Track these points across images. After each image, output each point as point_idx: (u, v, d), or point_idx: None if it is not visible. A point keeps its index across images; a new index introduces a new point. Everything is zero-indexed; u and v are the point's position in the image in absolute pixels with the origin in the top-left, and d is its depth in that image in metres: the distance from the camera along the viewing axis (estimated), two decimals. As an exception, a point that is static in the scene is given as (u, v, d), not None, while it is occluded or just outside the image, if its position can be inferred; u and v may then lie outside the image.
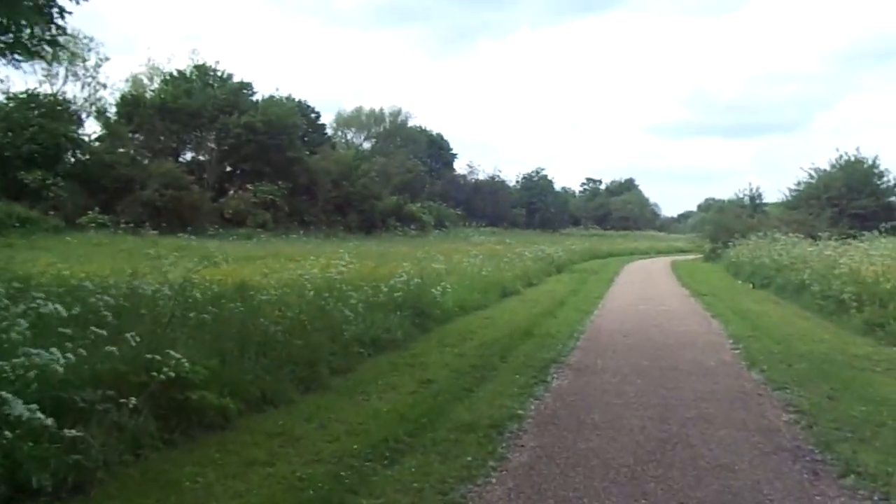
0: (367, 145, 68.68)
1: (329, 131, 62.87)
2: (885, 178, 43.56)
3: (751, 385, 7.68)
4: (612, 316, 13.51)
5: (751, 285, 20.06)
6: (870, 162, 43.77)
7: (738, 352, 9.68)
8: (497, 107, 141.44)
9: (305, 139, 53.19)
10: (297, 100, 52.05)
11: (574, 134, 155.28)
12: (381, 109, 66.93)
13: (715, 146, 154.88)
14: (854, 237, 20.36)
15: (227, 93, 44.30)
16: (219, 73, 45.73)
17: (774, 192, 67.44)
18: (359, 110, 66.61)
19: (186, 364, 5.48)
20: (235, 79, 46.41)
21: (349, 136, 68.25)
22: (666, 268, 30.13)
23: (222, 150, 43.96)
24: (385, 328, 9.49)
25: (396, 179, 58.00)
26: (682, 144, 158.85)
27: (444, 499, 4.41)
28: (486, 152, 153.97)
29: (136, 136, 41.36)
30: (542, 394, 7.14)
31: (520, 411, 6.44)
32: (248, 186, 41.96)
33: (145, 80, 45.41)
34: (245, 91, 46.17)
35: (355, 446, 5.28)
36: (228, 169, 46.64)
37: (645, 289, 19.55)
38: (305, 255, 18.19)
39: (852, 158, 43.94)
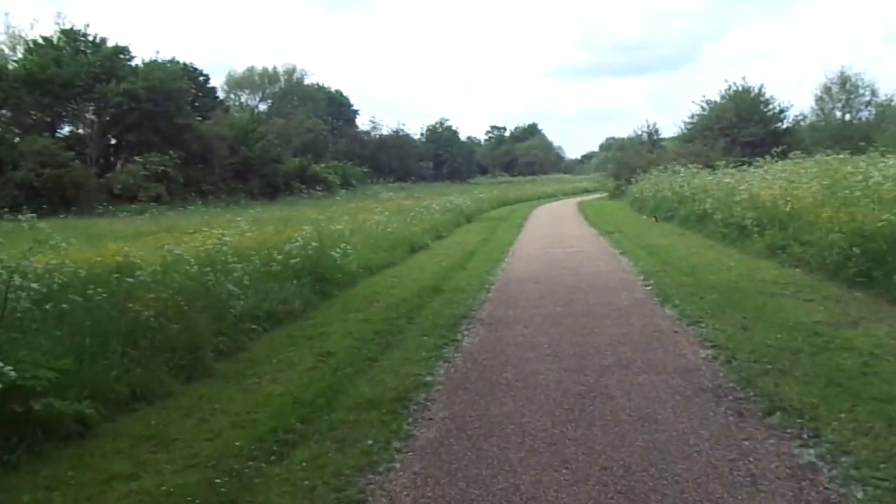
0: (263, 107, 65.95)
1: (221, 95, 59.80)
2: (770, 106, 45.39)
3: (665, 322, 7.41)
4: (523, 263, 13.15)
5: (654, 219, 20.31)
6: (756, 91, 45.39)
7: (649, 288, 9.47)
8: (396, 59, 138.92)
9: (196, 104, 50.29)
10: (181, 63, 48.87)
11: (476, 83, 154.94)
12: (275, 68, 64.26)
13: (611, 86, 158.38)
14: (749, 164, 20.85)
15: (102, 59, 41.02)
16: (90, 38, 42.23)
17: (670, 127, 69.41)
18: (251, 70, 63.63)
19: (27, 368, 4.60)
20: (110, 43, 43.00)
21: (243, 99, 65.32)
22: (573, 209, 30.31)
23: (103, 121, 40.87)
24: (281, 299, 8.70)
25: (297, 141, 56.07)
26: (580, 86, 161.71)
27: (339, 497, 3.79)
28: (388, 107, 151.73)
29: (2, 112, 37.78)
30: (451, 355, 6.60)
31: (428, 378, 5.87)
32: (137, 159, 39.36)
33: (6, 50, 41.43)
34: (122, 56, 42.91)
35: (238, 443, 4.57)
36: (113, 141, 43.59)
37: (554, 231, 19.39)
38: (201, 226, 16.97)
39: (740, 88, 45.44)
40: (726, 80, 51.13)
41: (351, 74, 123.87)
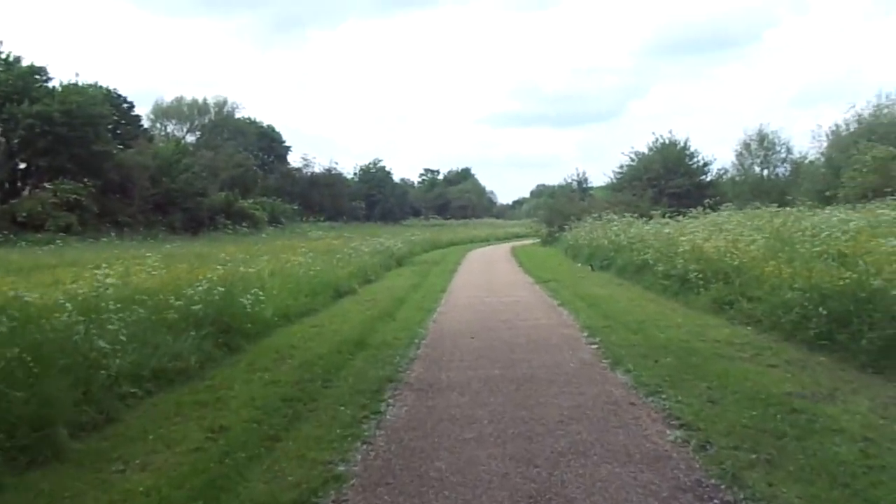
0: (191, 139, 63.52)
1: (146, 123, 57.28)
2: (695, 159, 46.56)
3: (620, 391, 6.44)
4: (457, 313, 12.09)
5: (590, 268, 19.73)
6: (682, 144, 46.53)
7: (595, 347, 8.54)
8: (331, 98, 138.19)
9: (118, 132, 47.77)
10: (103, 88, 46.43)
11: (410, 125, 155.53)
12: (205, 100, 62.06)
13: (543, 135, 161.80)
14: (681, 214, 20.66)
15: (14, 78, 38.34)
16: (1, 56, 39.47)
17: (599, 177, 70.47)
18: (179, 100, 61.35)
19: None
20: (25, 62, 40.36)
21: (170, 129, 62.70)
22: (506, 254, 29.63)
23: (12, 144, 38.03)
24: (173, 354, 7.31)
25: (225, 174, 54.01)
26: (514, 133, 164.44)
27: None
28: (321, 144, 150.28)
29: None
30: (372, 433, 5.41)
31: (340, 467, 4.67)
32: (47, 185, 36.61)
33: None
34: (38, 77, 40.26)
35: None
36: (22, 166, 40.59)
37: (488, 278, 18.48)
38: (110, 260, 15.28)
39: (667, 141, 46.51)
40: (654, 133, 52.32)
41: (284, 111, 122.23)
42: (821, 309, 7.60)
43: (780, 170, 49.90)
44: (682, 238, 13.20)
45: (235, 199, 49.47)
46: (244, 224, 46.08)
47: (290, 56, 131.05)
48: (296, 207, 55.59)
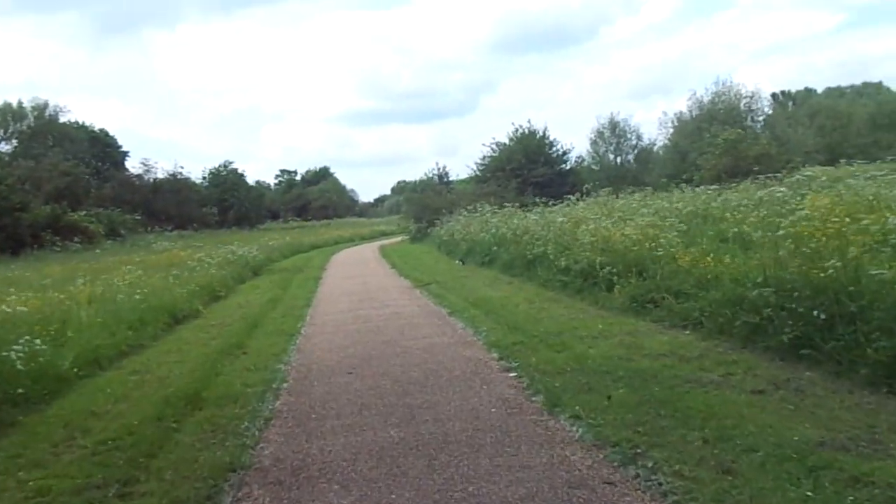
0: (6, 148, 55.61)
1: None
2: (555, 148, 46.51)
3: (581, 457, 4.31)
4: (326, 335, 9.57)
5: (460, 263, 18.00)
6: (541, 133, 46.32)
7: (515, 375, 6.43)
8: (174, 101, 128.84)
9: None
10: None
11: (261, 127, 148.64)
12: (20, 103, 54.33)
13: (400, 132, 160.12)
14: (549, 203, 19.40)
15: None
16: None
17: (458, 171, 69.69)
18: (-11, 105, 53.13)
19: None
20: None
21: (-20, 138, 54.39)
22: (375, 254, 27.16)
23: None
24: None
25: (50, 186, 47.43)
26: (369, 132, 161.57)
27: None
28: (166, 149, 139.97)
29: None
30: None
31: None
32: None
33: None
34: None
35: None
36: None
37: (360, 284, 16.00)
38: None
39: (526, 131, 46.11)
40: (513, 123, 51.99)
41: (122, 116, 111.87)
42: (796, 307, 5.91)
43: (630, 157, 51.27)
44: (584, 227, 11.44)
45: (64, 212, 43.34)
46: (76, 240, 40.43)
47: (125, 58, 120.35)
48: (138, 217, 49.82)
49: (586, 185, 18.77)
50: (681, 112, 49.67)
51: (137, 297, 11.49)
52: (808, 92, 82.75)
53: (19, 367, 6.40)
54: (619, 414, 4.94)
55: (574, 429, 4.82)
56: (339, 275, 19.19)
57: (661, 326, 7.93)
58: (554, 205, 18.80)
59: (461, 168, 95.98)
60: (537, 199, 23.20)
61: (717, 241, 10.17)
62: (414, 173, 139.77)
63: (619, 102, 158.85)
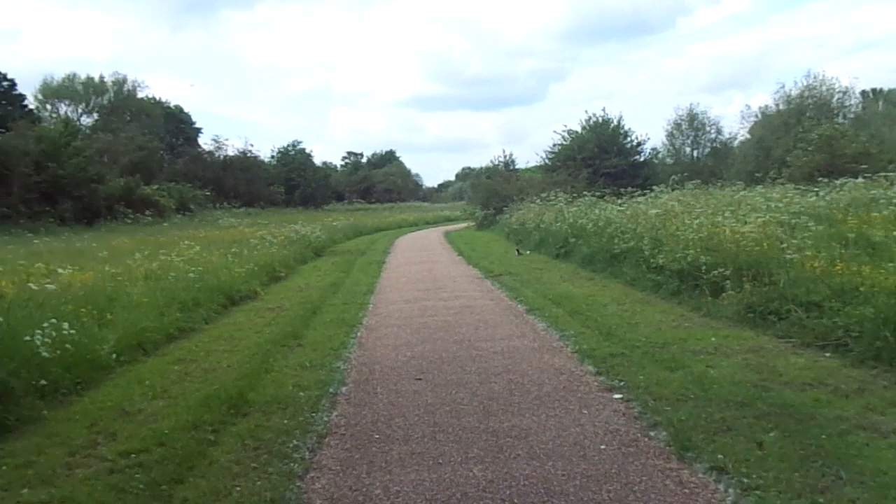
0: (88, 121, 57.02)
1: (32, 105, 50.65)
2: (629, 138, 44.43)
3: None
4: (391, 329, 8.52)
5: (516, 252, 16.93)
6: (615, 122, 44.29)
7: (622, 399, 5.21)
8: (248, 80, 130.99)
9: (-6, 113, 41.68)
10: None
11: (330, 108, 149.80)
12: (102, 77, 55.47)
13: (466, 118, 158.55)
14: (622, 195, 17.94)
15: None
16: None
17: (523, 159, 67.85)
18: (72, 79, 54.56)
19: None
20: None
21: (64, 111, 55.90)
22: (440, 240, 26.11)
23: None
24: None
25: (126, 159, 48.26)
26: (436, 117, 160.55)
27: None
28: (238, 127, 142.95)
29: None
30: None
31: None
32: None
33: None
34: None
35: None
36: None
37: (425, 272, 14.95)
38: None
39: (600, 120, 44.14)
40: (586, 111, 50.12)
41: (197, 93, 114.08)
42: None
43: (707, 150, 48.66)
44: (685, 221, 10.00)
45: (137, 185, 44.00)
46: (148, 213, 40.96)
47: (204, 37, 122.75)
48: (207, 193, 50.28)
49: (673, 177, 17.15)
50: (766, 105, 46.67)
51: (192, 275, 10.70)
52: (900, 90, 77.40)
53: (44, 353, 5.54)
54: (779, 471, 3.68)
55: (721, 487, 3.59)
56: (403, 260, 18.20)
57: (791, 345, 6.54)
58: (632, 196, 17.29)
59: (527, 156, 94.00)
60: (607, 190, 21.78)
61: (834, 244, 8.66)
62: (479, 160, 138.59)
63: (694, 96, 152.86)
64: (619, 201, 15.55)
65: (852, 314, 6.26)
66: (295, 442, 4.57)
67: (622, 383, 5.53)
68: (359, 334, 8.24)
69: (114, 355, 6.85)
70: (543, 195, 21.20)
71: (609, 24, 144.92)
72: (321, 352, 7.24)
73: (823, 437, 4.09)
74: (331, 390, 5.80)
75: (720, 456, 3.91)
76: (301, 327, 8.66)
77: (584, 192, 22.24)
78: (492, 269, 14.26)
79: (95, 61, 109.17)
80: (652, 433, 4.45)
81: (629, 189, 18.44)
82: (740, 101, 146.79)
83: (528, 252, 17.48)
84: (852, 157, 27.87)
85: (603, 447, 4.26)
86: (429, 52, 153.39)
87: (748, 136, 48.36)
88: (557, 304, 9.46)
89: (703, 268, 8.68)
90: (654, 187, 18.10)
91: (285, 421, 4.99)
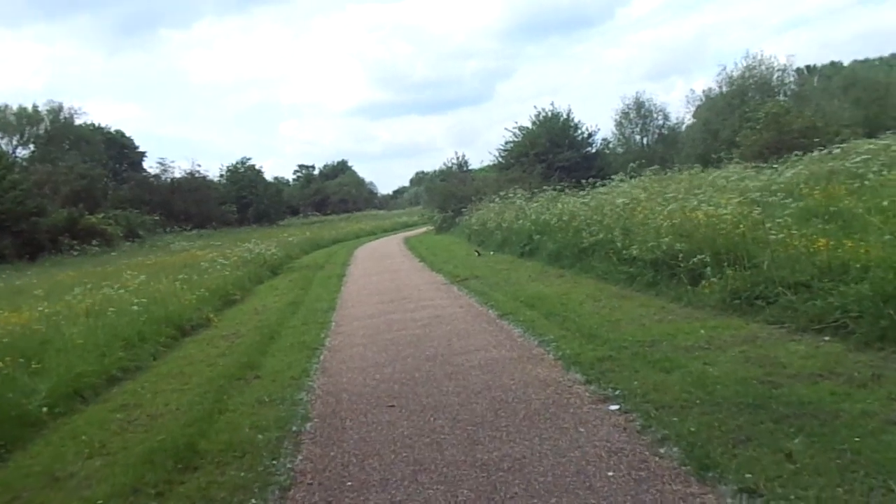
0: (24, 153, 54.62)
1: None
2: (580, 130, 44.47)
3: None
4: (357, 349, 7.84)
5: (476, 252, 16.53)
6: (565, 115, 44.30)
7: (620, 411, 4.66)
8: (191, 100, 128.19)
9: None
10: None
11: (277, 123, 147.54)
12: (35, 107, 53.22)
13: (415, 123, 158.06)
14: (582, 187, 17.62)
15: None
16: None
17: (476, 160, 67.45)
18: (3, 110, 52.16)
19: None
20: None
21: (-2, 144, 53.35)
22: (401, 247, 25.42)
23: None
24: None
25: (67, 189, 46.36)
26: (385, 124, 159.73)
27: None
28: (183, 148, 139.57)
29: None
30: None
31: None
32: None
33: None
34: None
35: None
36: None
37: (388, 282, 14.27)
38: None
39: (549, 114, 44.10)
40: (535, 107, 49.98)
41: (139, 116, 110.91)
42: None
43: (657, 136, 49.05)
44: (657, 206, 9.55)
45: (81, 215, 42.19)
46: (94, 242, 39.29)
47: (143, 58, 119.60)
48: (157, 218, 48.56)
49: (630, 165, 16.82)
50: (710, 88, 47.17)
51: (135, 307, 9.83)
52: (834, 65, 79.51)
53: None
54: (820, 488, 3.16)
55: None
56: (364, 271, 17.49)
57: (785, 331, 6.10)
58: (593, 187, 16.92)
59: (480, 157, 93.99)
60: (564, 184, 21.47)
61: (814, 220, 8.33)
62: (432, 164, 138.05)
63: (637, 84, 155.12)
64: (581, 193, 15.15)
65: (847, 293, 5.85)
66: (253, 501, 3.89)
67: (616, 392, 4.99)
68: (321, 357, 7.55)
69: (45, 408, 6.04)
70: (502, 193, 20.72)
71: (547, 19, 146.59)
72: (281, 382, 6.54)
73: (856, 439, 3.60)
74: (293, 428, 5.12)
75: (747, 474, 3.38)
76: (258, 355, 7.92)
77: (543, 187, 21.89)
78: (456, 273, 13.68)
79: (31, 90, 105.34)
80: (661, 450, 3.90)
81: (589, 180, 18.18)
82: (682, 86, 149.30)
83: (490, 253, 17.01)
84: (800, 132, 28.19)
85: (610, 474, 3.69)
86: (373, 59, 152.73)
87: (693, 120, 48.97)
88: (531, 307, 8.91)
89: (680, 255, 8.23)
90: (613, 177, 17.81)
91: (242, 473, 4.30)
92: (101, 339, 8.34)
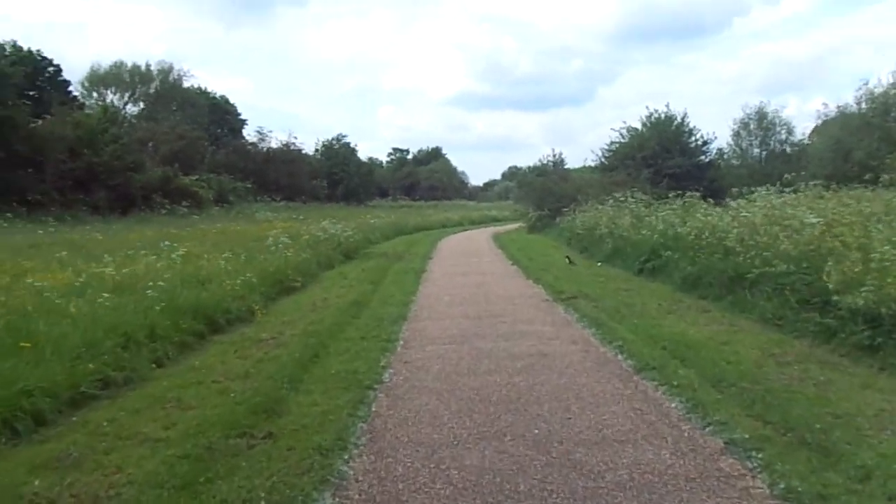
0: (134, 110, 55.37)
1: (78, 91, 49.14)
2: (694, 137, 40.42)
3: None
4: (424, 396, 5.22)
5: (567, 259, 13.64)
6: (679, 119, 40.28)
7: None
8: (297, 75, 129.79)
9: (36, 97, 40.07)
10: (14, 46, 38.41)
11: (377, 105, 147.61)
12: (148, 65, 53.66)
13: (512, 118, 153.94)
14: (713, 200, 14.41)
15: None
16: None
17: (570, 161, 63.78)
18: (119, 66, 52.83)
19: None
20: None
21: (110, 99, 54.30)
22: (490, 244, 22.63)
23: None
24: None
25: (166, 148, 46.26)
26: (482, 116, 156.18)
27: None
28: (286, 122, 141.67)
29: None
30: None
31: None
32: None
33: None
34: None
35: None
36: None
37: (475, 287, 11.61)
38: None
39: (662, 116, 40.19)
40: (647, 107, 46.11)
41: (248, 88, 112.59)
42: None
43: (785, 150, 44.01)
44: (874, 232, 6.43)
45: (175, 175, 41.77)
46: (185, 203, 38.63)
47: (257, 33, 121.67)
48: (249, 185, 47.89)
49: (786, 176, 13.43)
50: (846, 104, 41.78)
51: (149, 292, 7.58)
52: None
53: None
54: None
55: None
56: (447, 269, 14.90)
57: None
58: (732, 199, 13.61)
59: (575, 158, 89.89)
60: (699, 194, 18.31)
61: None
62: (525, 160, 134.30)
63: (747, 99, 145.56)
64: (725, 204, 11.99)
65: None
66: None
67: None
68: (373, 409, 4.98)
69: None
70: (617, 195, 17.61)
71: (659, 25, 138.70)
72: (298, 456, 4.00)
73: None
74: None
75: None
76: (287, 387, 5.43)
77: (668, 194, 18.67)
78: (559, 287, 10.86)
79: (154, 56, 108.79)
80: None
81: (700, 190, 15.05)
82: (796, 104, 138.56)
83: (598, 264, 14.11)
84: (978, 159, 23.55)
85: None
86: (477, 51, 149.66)
87: (808, 140, 43.82)
88: (681, 359, 6.04)
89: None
90: (757, 189, 14.44)
91: None
92: (95, 333, 6.11)
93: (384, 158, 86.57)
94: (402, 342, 7.28)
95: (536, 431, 4.40)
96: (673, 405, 4.88)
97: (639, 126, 39.81)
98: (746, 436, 4.16)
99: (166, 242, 11.30)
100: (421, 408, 4.98)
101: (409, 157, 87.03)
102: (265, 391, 5.32)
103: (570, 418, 4.64)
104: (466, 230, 35.47)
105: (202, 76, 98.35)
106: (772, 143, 45.78)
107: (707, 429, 4.37)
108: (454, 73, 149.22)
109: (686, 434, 4.30)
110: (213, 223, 24.71)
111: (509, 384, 5.50)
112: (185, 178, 42.41)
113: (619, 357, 6.33)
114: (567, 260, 14.49)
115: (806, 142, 44.97)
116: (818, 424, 4.27)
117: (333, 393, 5.34)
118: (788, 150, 44.99)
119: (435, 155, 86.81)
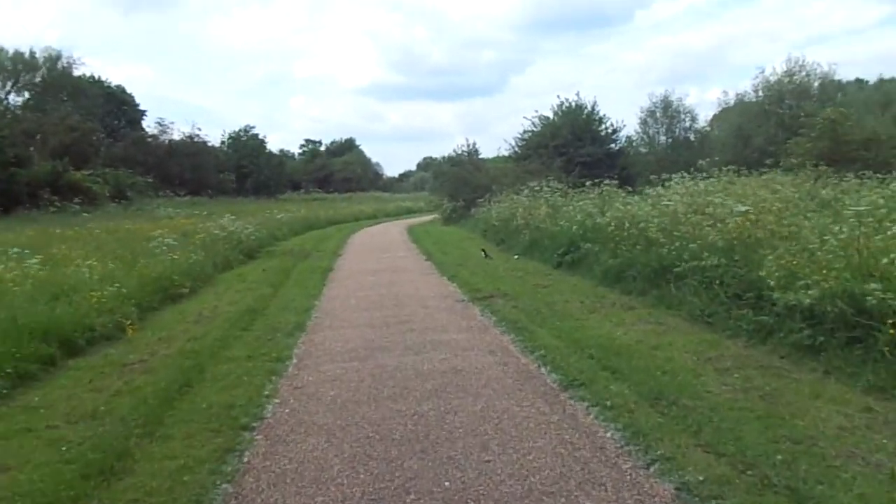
0: (17, 100, 50.69)
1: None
2: (603, 125, 40.79)
3: None
4: (310, 442, 4.21)
5: (482, 253, 12.95)
6: (589, 108, 40.55)
7: None
8: (202, 65, 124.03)
9: None
10: None
11: (290, 97, 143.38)
12: (33, 53, 49.17)
13: (425, 108, 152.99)
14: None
15: None
16: None
17: (485, 150, 63.60)
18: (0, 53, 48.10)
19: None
20: None
21: (-8, 90, 49.39)
22: (404, 238, 21.60)
23: None
24: None
25: (55, 141, 42.53)
26: (396, 106, 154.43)
27: None
28: (191, 114, 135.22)
29: None
30: None
31: None
32: None
33: None
34: None
35: None
36: None
37: (386, 288, 10.61)
38: None
39: (573, 105, 40.35)
40: (559, 96, 46.22)
41: (148, 78, 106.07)
42: None
43: (688, 138, 45.18)
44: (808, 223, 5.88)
45: (65, 170, 38.42)
46: (77, 200, 35.46)
47: (157, 20, 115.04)
48: (149, 180, 44.73)
49: (700, 162, 13.13)
50: (745, 92, 43.20)
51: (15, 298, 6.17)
52: (860, 83, 75.72)
53: None
54: None
55: None
56: (356, 267, 13.81)
57: None
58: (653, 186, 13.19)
59: (489, 148, 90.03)
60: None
61: None
62: (440, 150, 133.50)
63: (651, 88, 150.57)
64: (644, 192, 11.50)
65: None
66: None
67: None
68: (245, 461, 3.93)
69: None
70: (532, 185, 16.97)
71: (567, 16, 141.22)
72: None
73: None
74: None
75: None
76: (142, 431, 4.29)
77: (584, 182, 18.23)
78: (476, 284, 10.04)
79: (47, 43, 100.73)
80: None
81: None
82: (696, 94, 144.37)
83: (515, 257, 13.42)
84: (861, 143, 24.47)
85: None
86: (389, 40, 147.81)
87: (709, 127, 45.28)
88: (611, 370, 5.29)
89: (870, 308, 4.59)
90: (671, 176, 14.12)
91: None
92: None
93: (296, 150, 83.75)
94: (294, 360, 6.21)
95: (447, 484, 3.48)
96: (608, 434, 4.09)
97: (550, 115, 39.83)
98: (700, 477, 3.39)
99: (15, 249, 9.63)
100: (306, 455, 3.97)
101: (323, 148, 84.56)
102: (110, 440, 4.17)
103: (489, 461, 3.75)
104: (381, 223, 34.30)
105: (97, 65, 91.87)
106: (677, 130, 46.87)
107: (652, 468, 3.58)
108: (367, 63, 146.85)
109: (628, 477, 3.50)
110: (107, 221, 22.54)
111: (416, 414, 4.57)
112: (76, 173, 39.09)
113: (543, 370, 5.52)
114: (483, 253, 13.75)
115: (707, 129, 46.37)
116: (779, 455, 3.56)
117: (198, 438, 4.24)
118: (692, 137, 46.21)
119: (349, 146, 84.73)
